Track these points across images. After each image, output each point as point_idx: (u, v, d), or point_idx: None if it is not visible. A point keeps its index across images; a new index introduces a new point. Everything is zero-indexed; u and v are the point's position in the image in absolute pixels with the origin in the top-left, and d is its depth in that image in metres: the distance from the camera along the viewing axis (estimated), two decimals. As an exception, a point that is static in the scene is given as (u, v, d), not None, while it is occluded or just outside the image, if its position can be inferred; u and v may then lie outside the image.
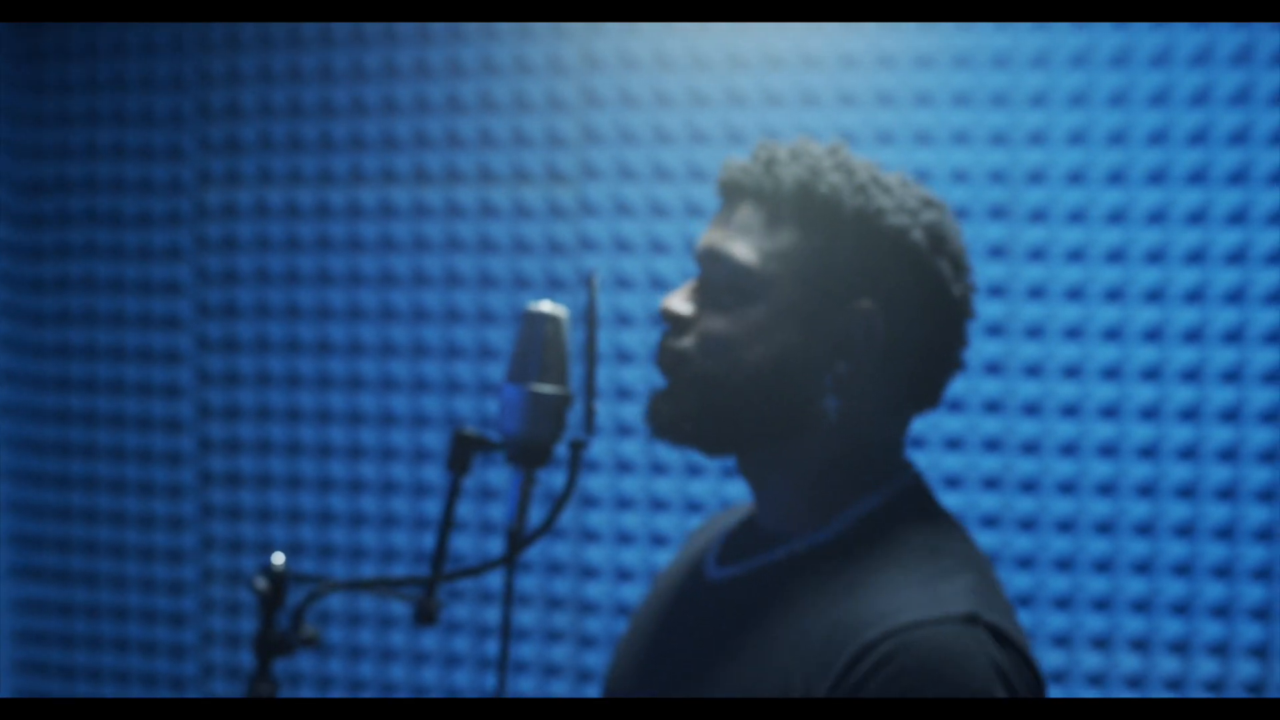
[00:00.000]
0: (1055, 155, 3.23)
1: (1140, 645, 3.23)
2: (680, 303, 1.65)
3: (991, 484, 3.30)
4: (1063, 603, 3.27)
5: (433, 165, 3.67)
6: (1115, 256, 3.21)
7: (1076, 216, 3.22)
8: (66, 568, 4.02)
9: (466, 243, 3.65)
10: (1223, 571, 3.18)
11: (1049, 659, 3.27)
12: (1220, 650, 3.18)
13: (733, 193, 1.67)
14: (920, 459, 2.97)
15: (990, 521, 3.30)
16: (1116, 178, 3.20)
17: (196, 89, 3.84)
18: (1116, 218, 3.20)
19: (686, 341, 1.63)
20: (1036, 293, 3.25)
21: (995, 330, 3.27)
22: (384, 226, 3.71)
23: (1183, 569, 3.20)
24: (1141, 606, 3.22)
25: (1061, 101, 3.23)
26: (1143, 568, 3.22)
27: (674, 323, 1.65)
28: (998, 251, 3.26)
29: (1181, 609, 3.21)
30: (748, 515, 1.78)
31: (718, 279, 1.63)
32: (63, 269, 3.98)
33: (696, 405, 1.63)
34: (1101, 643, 3.25)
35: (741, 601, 1.65)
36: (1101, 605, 3.25)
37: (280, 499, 3.83)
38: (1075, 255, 3.22)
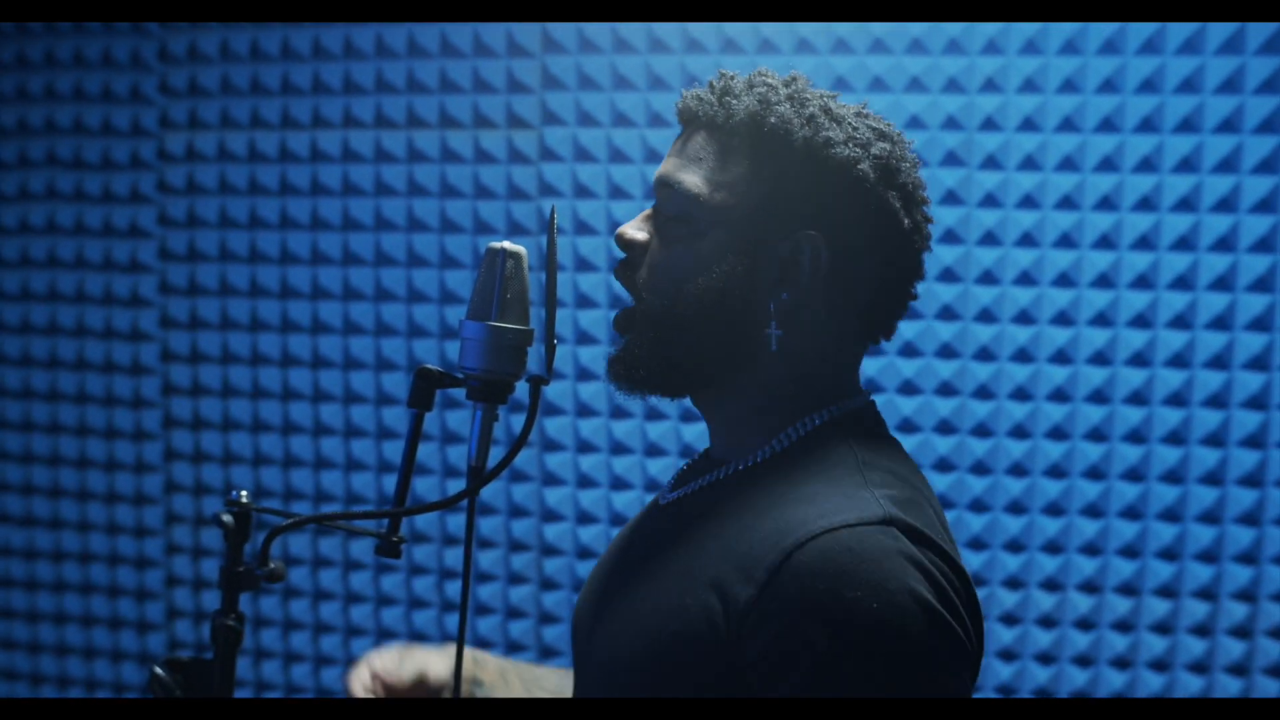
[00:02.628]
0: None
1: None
2: (634, 230, 1.69)
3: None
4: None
5: (393, 111, 3.67)
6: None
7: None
8: (30, 513, 4.03)
9: (427, 188, 3.66)
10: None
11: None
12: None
13: (689, 122, 1.70)
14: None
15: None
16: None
17: (157, 33, 3.83)
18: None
19: (639, 274, 1.67)
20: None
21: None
22: (345, 171, 3.72)
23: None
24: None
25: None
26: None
27: (628, 249, 1.69)
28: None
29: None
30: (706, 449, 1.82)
31: (669, 208, 1.66)
32: (23, 213, 3.98)
33: (650, 350, 1.66)
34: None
35: (681, 517, 1.69)
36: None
37: (243, 443, 3.85)
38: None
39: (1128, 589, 3.26)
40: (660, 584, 1.62)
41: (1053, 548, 3.29)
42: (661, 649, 1.56)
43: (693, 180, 1.64)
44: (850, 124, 1.64)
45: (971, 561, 3.32)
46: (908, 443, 3.32)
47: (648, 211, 1.70)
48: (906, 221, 1.66)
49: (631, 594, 1.67)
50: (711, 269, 1.62)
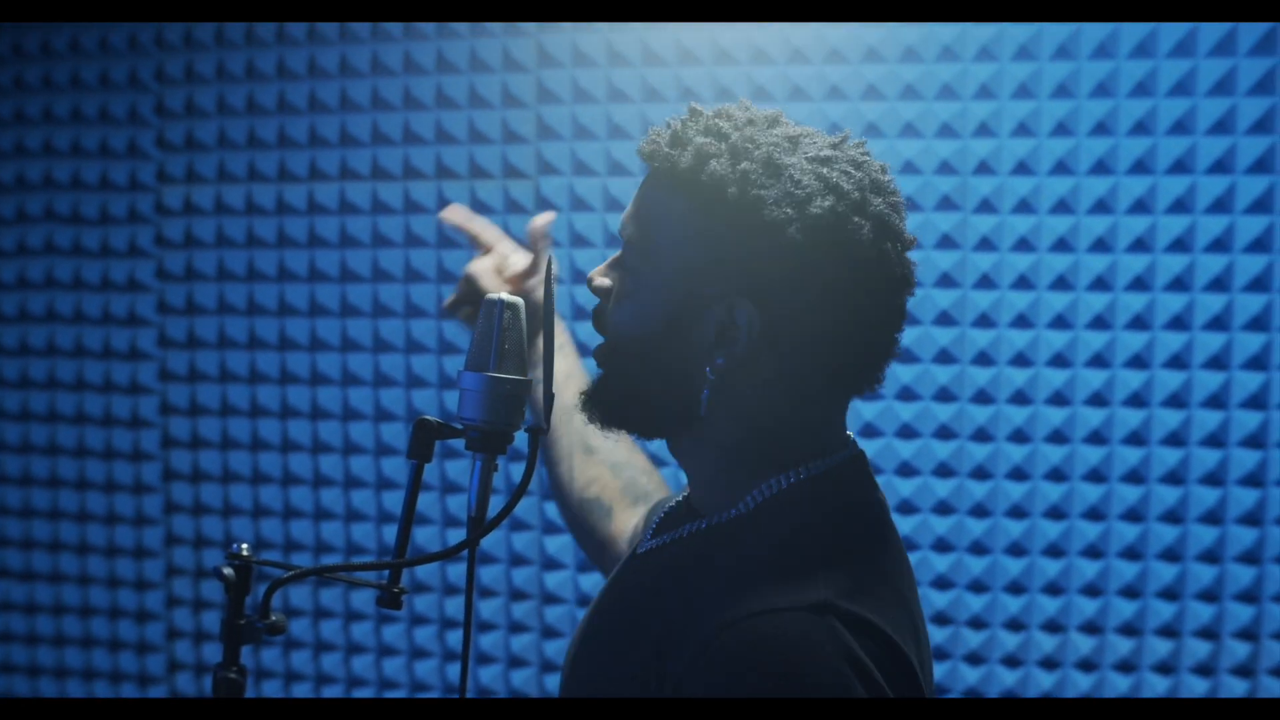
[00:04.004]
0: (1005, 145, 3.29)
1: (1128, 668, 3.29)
2: (599, 276, 1.67)
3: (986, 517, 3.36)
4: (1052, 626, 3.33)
5: (390, 163, 3.69)
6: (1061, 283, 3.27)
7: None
8: (30, 567, 4.03)
9: (424, 239, 3.67)
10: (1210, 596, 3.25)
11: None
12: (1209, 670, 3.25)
13: (646, 164, 1.64)
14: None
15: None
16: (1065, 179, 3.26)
17: (154, 89, 3.85)
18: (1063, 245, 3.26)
19: (603, 321, 1.66)
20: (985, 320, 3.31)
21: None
22: (342, 223, 3.73)
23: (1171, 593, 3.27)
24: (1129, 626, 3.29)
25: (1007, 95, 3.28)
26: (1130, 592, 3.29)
27: (595, 294, 1.67)
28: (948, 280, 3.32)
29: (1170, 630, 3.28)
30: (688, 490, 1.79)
31: (624, 256, 1.64)
32: (22, 267, 3.99)
33: (609, 392, 1.66)
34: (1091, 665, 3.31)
35: (650, 572, 1.67)
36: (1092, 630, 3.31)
37: (243, 495, 3.85)
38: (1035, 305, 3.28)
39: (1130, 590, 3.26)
40: (616, 642, 1.62)
41: (1054, 589, 3.30)
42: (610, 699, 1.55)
43: (637, 232, 1.61)
44: (792, 177, 1.53)
45: (972, 605, 3.33)
46: (906, 487, 3.33)
47: (614, 256, 1.67)
48: (848, 285, 1.54)
49: (595, 642, 1.67)
50: (648, 325, 1.59)
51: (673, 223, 1.58)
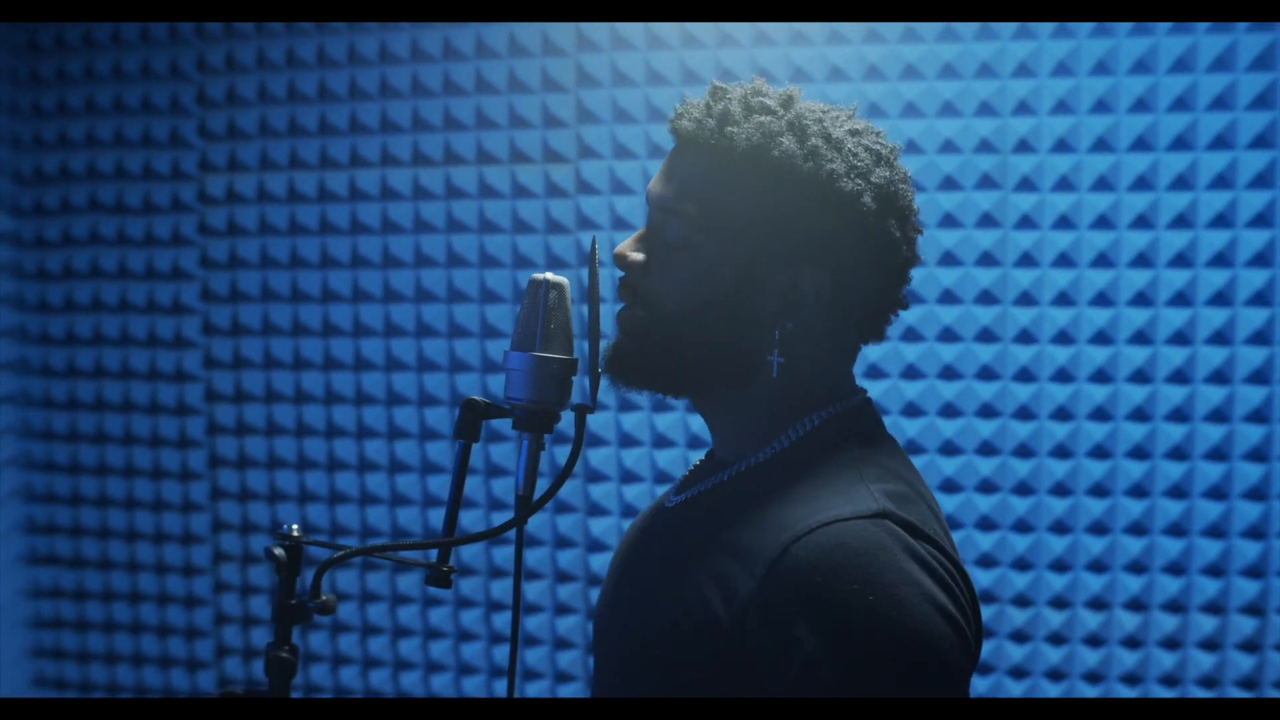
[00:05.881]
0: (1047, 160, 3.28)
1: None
2: (633, 252, 1.70)
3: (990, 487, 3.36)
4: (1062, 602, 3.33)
5: (431, 148, 3.70)
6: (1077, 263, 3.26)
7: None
8: (79, 554, 4.06)
9: (466, 224, 3.68)
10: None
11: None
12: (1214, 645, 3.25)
13: (686, 142, 1.72)
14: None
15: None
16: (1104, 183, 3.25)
17: (195, 78, 3.87)
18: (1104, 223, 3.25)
19: (641, 294, 1.69)
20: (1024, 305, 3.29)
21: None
22: (384, 209, 3.75)
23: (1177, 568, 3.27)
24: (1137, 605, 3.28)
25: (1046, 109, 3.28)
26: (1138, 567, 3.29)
27: (627, 269, 1.70)
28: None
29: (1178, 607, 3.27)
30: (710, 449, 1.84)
31: (669, 231, 1.67)
32: (67, 258, 4.02)
33: (649, 357, 1.69)
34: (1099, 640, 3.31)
35: (685, 519, 1.71)
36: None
37: (289, 481, 3.87)
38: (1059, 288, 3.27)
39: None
40: (664, 581, 1.65)
41: (1060, 566, 3.30)
42: (664, 638, 1.60)
43: (692, 207, 1.65)
44: (850, 150, 1.63)
45: (980, 579, 3.32)
46: (948, 465, 3.33)
47: (642, 231, 1.72)
48: (905, 248, 1.68)
49: (639, 593, 1.71)
50: (712, 294, 1.64)
51: (735, 199, 1.64)
